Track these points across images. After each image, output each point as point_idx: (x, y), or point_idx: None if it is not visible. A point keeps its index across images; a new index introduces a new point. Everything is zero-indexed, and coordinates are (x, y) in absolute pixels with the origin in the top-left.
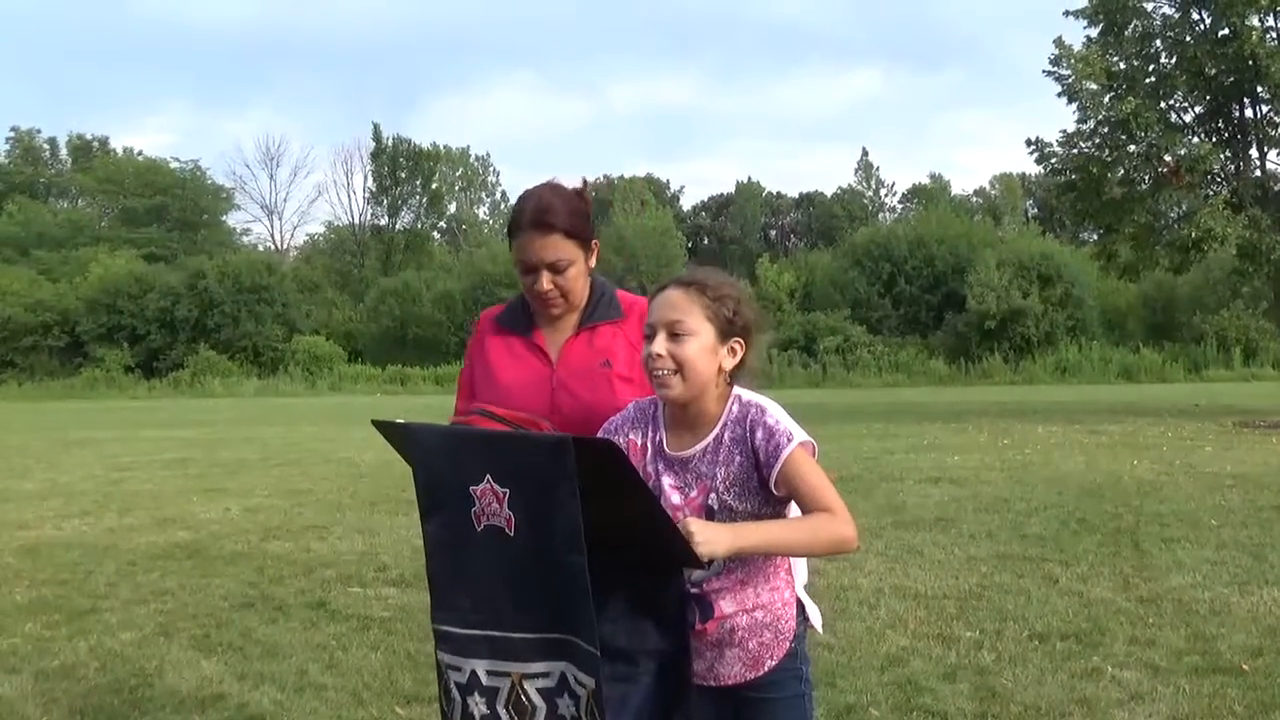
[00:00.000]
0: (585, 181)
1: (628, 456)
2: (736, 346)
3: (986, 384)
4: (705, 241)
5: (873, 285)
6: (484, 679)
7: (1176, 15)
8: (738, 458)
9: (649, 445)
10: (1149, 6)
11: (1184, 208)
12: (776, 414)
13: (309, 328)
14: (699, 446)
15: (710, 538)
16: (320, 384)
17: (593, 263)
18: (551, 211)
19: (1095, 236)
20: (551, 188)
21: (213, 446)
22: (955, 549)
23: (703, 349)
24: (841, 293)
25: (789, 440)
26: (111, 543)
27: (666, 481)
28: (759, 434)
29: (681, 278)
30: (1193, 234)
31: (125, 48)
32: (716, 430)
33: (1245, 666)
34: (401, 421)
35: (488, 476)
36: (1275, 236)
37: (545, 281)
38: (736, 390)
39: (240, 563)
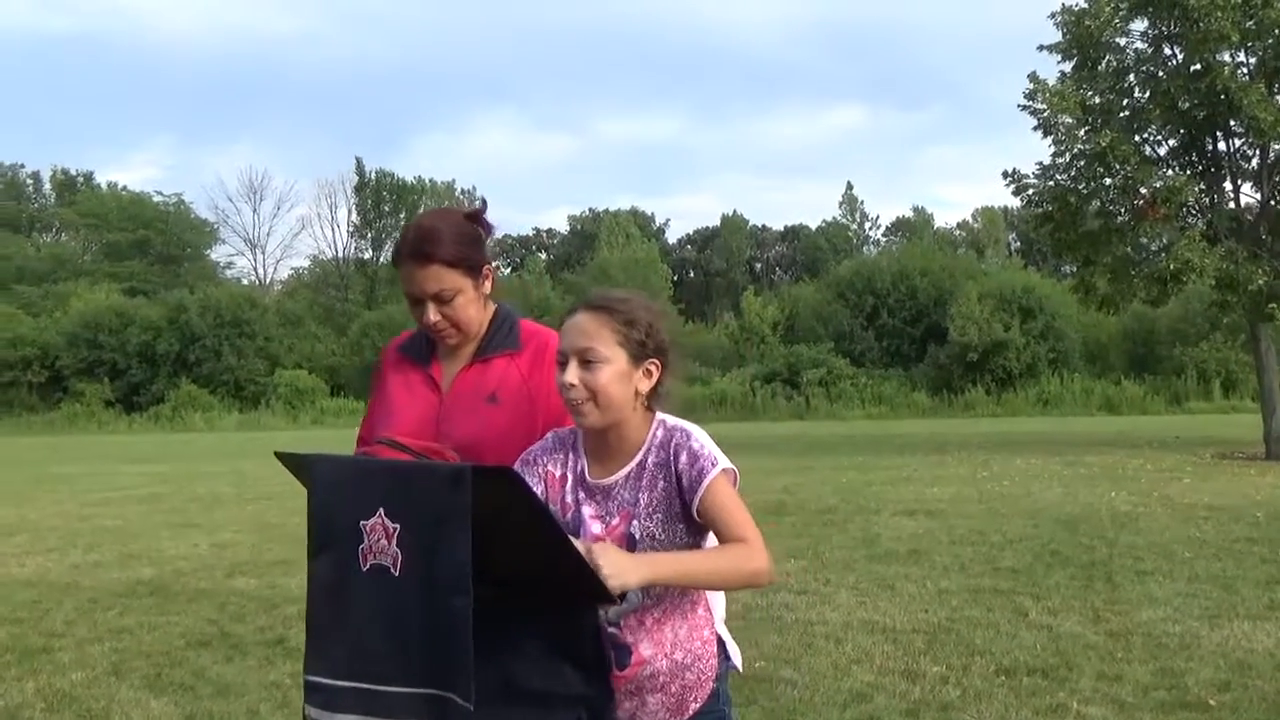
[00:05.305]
0: (484, 203)
1: (528, 484)
2: (652, 368)
3: (969, 416)
4: (690, 274)
5: (856, 318)
6: None
7: (1149, 50)
8: (660, 483)
9: (569, 475)
10: (1122, 42)
11: (1164, 240)
12: (701, 439)
13: (291, 361)
14: (621, 473)
15: (621, 568)
16: (303, 418)
17: (486, 289)
18: (432, 241)
19: (1074, 269)
20: (439, 213)
21: (188, 481)
22: (927, 582)
23: (615, 375)
24: (825, 325)
25: (713, 466)
26: (74, 580)
27: (586, 511)
28: (683, 458)
29: (590, 301)
30: (1171, 266)
31: (110, 84)
32: (640, 455)
33: (1212, 701)
34: (303, 453)
35: (380, 510)
36: (1251, 268)
37: (432, 313)
38: (660, 415)
39: (202, 600)
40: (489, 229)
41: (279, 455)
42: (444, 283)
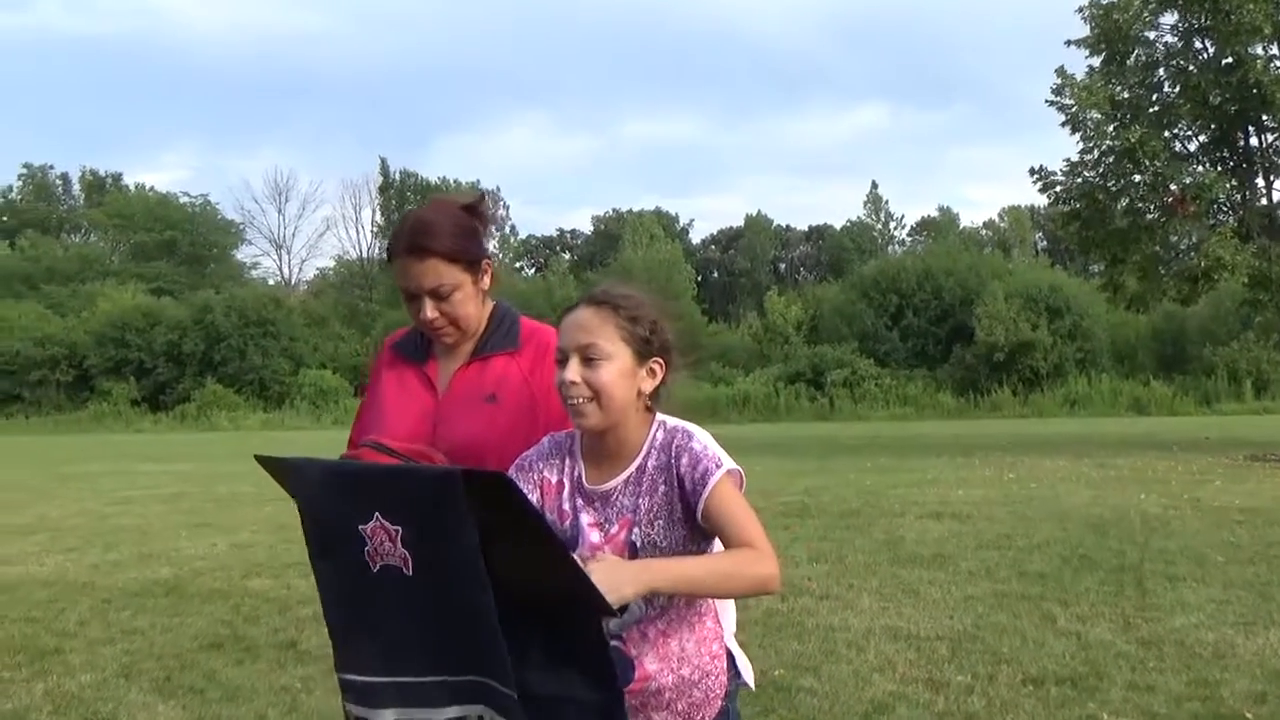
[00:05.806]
0: (484, 195)
1: (521, 490)
2: (656, 367)
3: (995, 417)
4: (714, 275)
5: (880, 318)
6: None
7: (1179, 44)
8: (661, 486)
9: (566, 481)
10: (1151, 36)
11: (1194, 238)
12: (704, 440)
13: (316, 361)
14: (620, 478)
15: (616, 583)
16: (326, 418)
17: (485, 284)
18: (429, 234)
19: (1102, 267)
20: (436, 205)
21: (210, 481)
22: (952, 587)
23: (619, 373)
24: (849, 325)
25: (717, 467)
26: (91, 579)
27: (585, 519)
28: (684, 460)
29: (593, 296)
30: (1201, 264)
31: (139, 86)
32: (639, 459)
33: (1249, 714)
34: (285, 457)
35: (377, 514)
36: None
37: (429, 309)
38: (660, 416)
39: (217, 600)
40: (488, 222)
41: (259, 459)
42: (442, 278)
